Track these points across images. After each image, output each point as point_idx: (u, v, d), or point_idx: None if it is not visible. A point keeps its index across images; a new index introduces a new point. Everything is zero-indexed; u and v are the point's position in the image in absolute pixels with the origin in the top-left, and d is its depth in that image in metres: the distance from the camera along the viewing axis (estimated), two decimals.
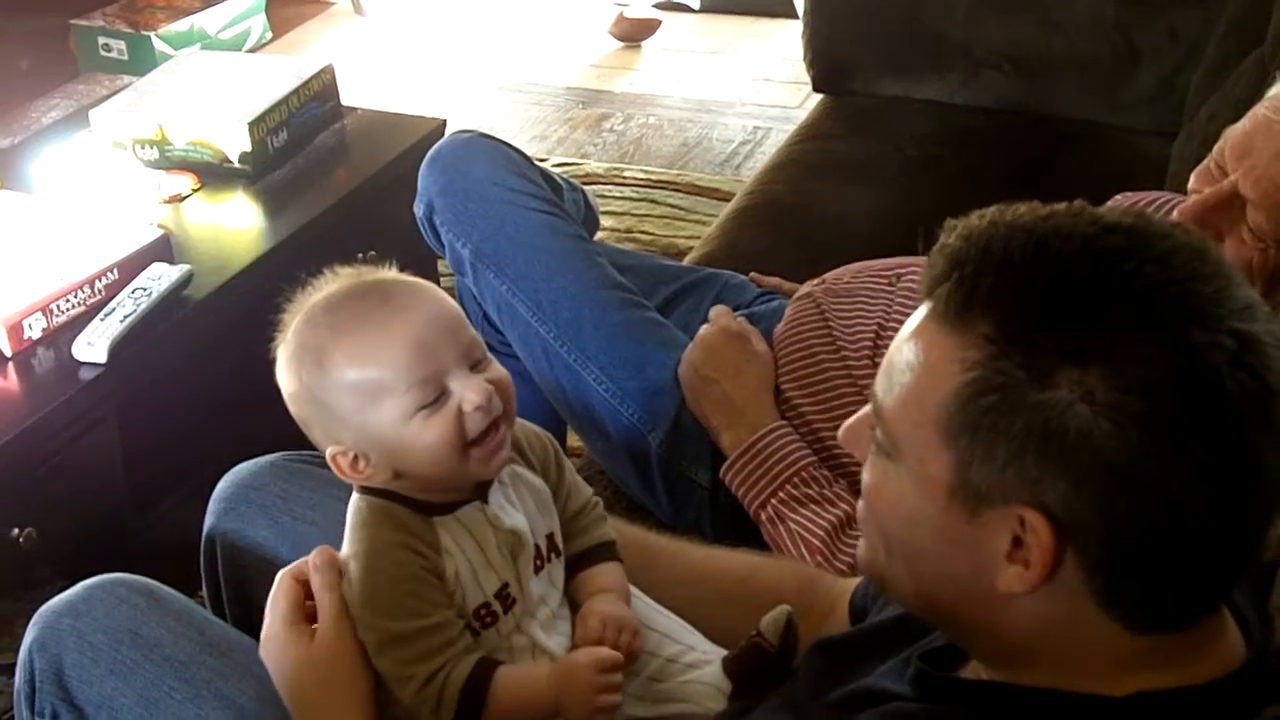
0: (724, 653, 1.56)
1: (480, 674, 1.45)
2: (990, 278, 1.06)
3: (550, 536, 1.57)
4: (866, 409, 1.19)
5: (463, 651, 1.46)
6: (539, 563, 1.54)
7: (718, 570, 1.70)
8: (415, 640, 1.45)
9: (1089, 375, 1.01)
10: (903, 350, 1.12)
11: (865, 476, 1.19)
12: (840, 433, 1.27)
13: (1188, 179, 1.86)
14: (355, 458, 1.48)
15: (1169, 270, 1.04)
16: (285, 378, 1.50)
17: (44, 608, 1.70)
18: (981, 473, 1.06)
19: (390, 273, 1.54)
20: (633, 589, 1.64)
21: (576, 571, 1.60)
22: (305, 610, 1.52)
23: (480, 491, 1.52)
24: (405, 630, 1.45)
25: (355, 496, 1.52)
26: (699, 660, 1.58)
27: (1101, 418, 1.00)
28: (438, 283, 3.19)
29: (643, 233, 3.96)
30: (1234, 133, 1.79)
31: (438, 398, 1.45)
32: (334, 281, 1.52)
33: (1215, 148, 1.81)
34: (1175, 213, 1.83)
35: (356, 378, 1.45)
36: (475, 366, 1.48)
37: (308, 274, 1.54)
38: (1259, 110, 1.77)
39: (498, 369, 1.51)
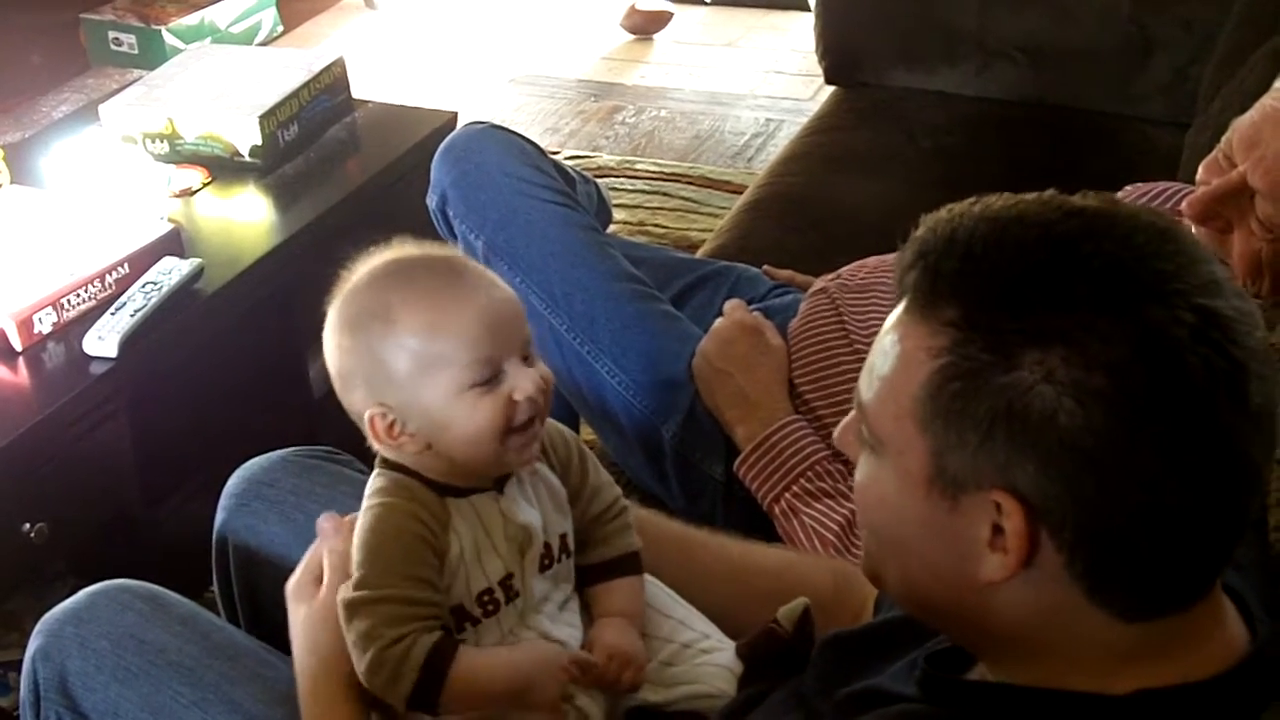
0: (735, 642, 1.57)
1: (444, 648, 1.45)
2: (954, 264, 1.07)
3: (563, 537, 1.57)
4: (854, 411, 1.20)
5: (432, 628, 1.46)
6: (546, 562, 1.54)
7: (755, 567, 1.71)
8: (391, 605, 1.45)
9: (1051, 356, 1.01)
10: (881, 345, 1.14)
11: (857, 474, 1.19)
12: (835, 435, 1.28)
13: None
14: (393, 422, 1.49)
15: (1128, 249, 1.05)
16: (339, 333, 1.51)
17: (47, 616, 1.70)
18: (955, 459, 1.07)
19: (456, 252, 1.59)
20: (651, 578, 1.64)
21: (593, 581, 1.60)
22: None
23: (498, 483, 1.53)
24: (386, 595, 1.45)
25: (376, 471, 1.54)
26: (712, 647, 1.59)
27: (1065, 397, 1.01)
28: None
29: (655, 225, 3.95)
30: (1242, 124, 1.78)
31: (492, 379, 1.47)
32: (400, 249, 1.54)
33: (1223, 139, 1.80)
34: (1183, 205, 1.82)
35: (422, 341, 1.46)
36: (526, 359, 1.50)
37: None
38: (1266, 101, 1.77)
39: (544, 366, 1.53)
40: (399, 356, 1.47)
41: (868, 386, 1.14)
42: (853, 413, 1.20)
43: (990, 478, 1.05)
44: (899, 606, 1.23)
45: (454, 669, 1.45)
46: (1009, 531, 1.05)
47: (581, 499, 1.61)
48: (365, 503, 1.51)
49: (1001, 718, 1.13)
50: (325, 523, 1.56)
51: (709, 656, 1.58)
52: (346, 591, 1.47)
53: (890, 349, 1.12)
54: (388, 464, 1.52)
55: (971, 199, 1.12)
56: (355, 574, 1.47)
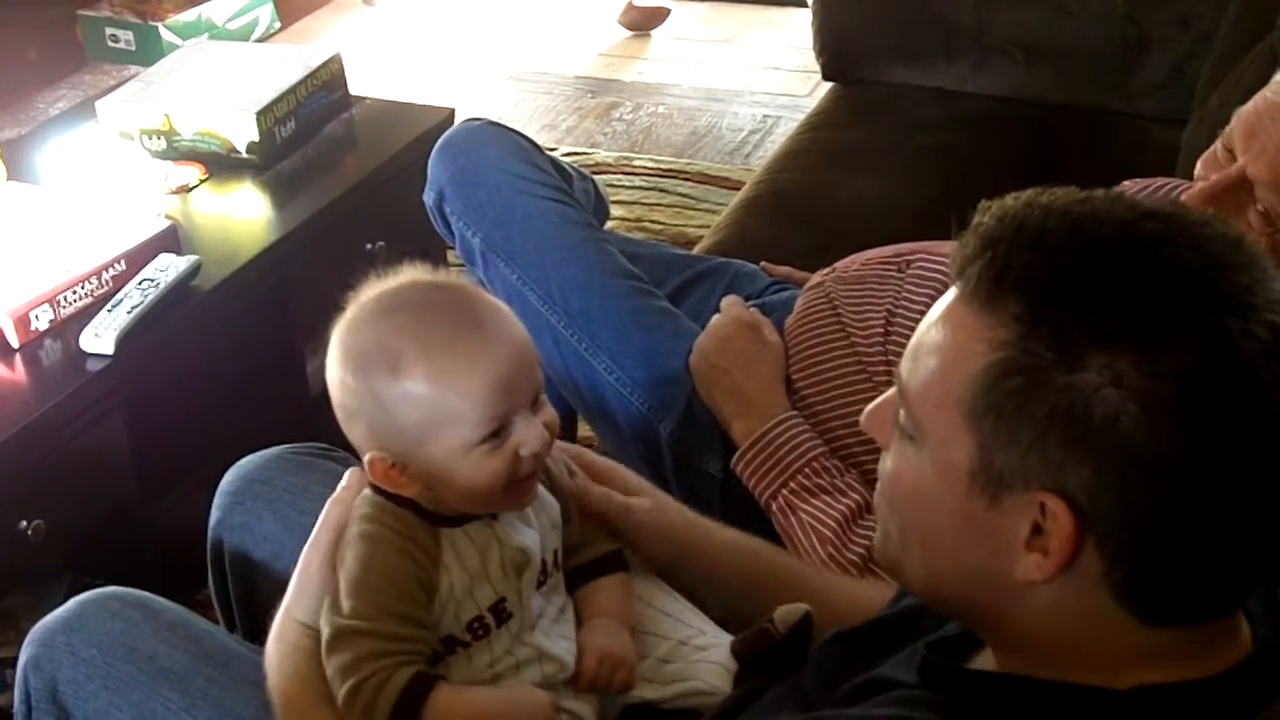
0: (732, 639, 1.57)
1: (418, 685, 1.42)
2: (1023, 257, 1.05)
3: (555, 551, 1.56)
4: (891, 392, 1.18)
5: (412, 663, 1.44)
6: (542, 578, 1.53)
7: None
8: (374, 639, 1.42)
9: (1119, 359, 1.00)
10: (930, 331, 1.11)
11: (886, 462, 1.18)
12: (863, 417, 1.25)
13: (1196, 166, 1.86)
14: (393, 465, 1.45)
15: (1205, 257, 1.03)
16: (343, 370, 1.45)
17: (37, 626, 1.69)
18: (1004, 456, 1.05)
19: (471, 285, 1.52)
20: (644, 574, 1.64)
21: (578, 583, 1.59)
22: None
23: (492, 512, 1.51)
24: (371, 629, 1.43)
25: (367, 492, 1.50)
26: (708, 643, 1.59)
27: (1130, 402, 0.99)
28: (447, 271, 3.22)
29: (653, 222, 3.95)
30: (1242, 116, 1.79)
31: (499, 433, 1.42)
32: (412, 278, 1.47)
33: (1223, 132, 1.80)
34: (1183, 199, 1.82)
35: (431, 398, 1.40)
36: (534, 405, 1.46)
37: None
38: (1266, 93, 1.77)
39: (550, 411, 1.48)
40: (405, 410, 1.41)
41: (911, 372, 1.12)
42: (888, 394, 1.19)
43: (1040, 479, 1.04)
44: (915, 596, 1.22)
45: (430, 706, 1.42)
46: (1053, 534, 1.04)
47: (573, 519, 1.59)
48: (355, 526, 1.48)
49: (1001, 706, 1.12)
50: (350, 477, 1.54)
51: (705, 654, 1.57)
52: (331, 618, 1.45)
53: (941, 337, 1.10)
54: (381, 489, 1.49)
55: (1036, 189, 1.10)
56: (343, 603, 1.44)
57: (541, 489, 1.55)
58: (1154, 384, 0.99)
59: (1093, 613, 1.07)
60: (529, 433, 1.43)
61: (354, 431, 1.47)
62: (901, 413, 1.14)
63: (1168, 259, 1.02)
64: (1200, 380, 0.99)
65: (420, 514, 1.47)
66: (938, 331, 1.10)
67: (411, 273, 1.48)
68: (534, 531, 1.52)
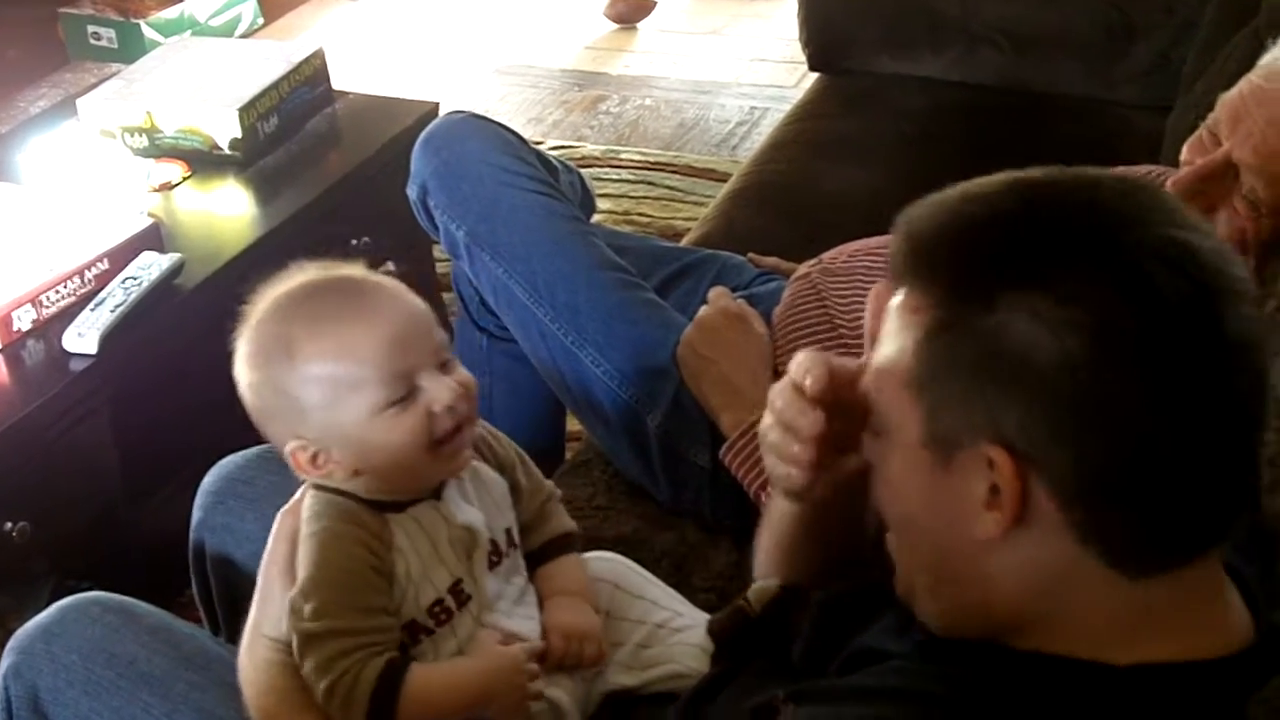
0: (708, 617, 1.57)
1: (391, 672, 1.44)
2: (931, 229, 1.10)
3: (509, 531, 1.57)
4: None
5: (383, 652, 1.45)
6: (494, 558, 1.54)
7: None
8: (344, 638, 1.44)
9: (1027, 295, 1.03)
10: (877, 329, 1.16)
11: (874, 476, 1.20)
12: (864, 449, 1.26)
13: (1180, 152, 1.86)
14: (315, 454, 1.48)
15: (1094, 193, 1.08)
16: (247, 369, 1.49)
17: (18, 633, 1.69)
18: (946, 416, 1.08)
19: (358, 269, 1.54)
20: (620, 558, 1.64)
21: (535, 565, 1.61)
22: None
23: (435, 490, 1.52)
24: (339, 627, 1.44)
25: (310, 494, 1.52)
26: (686, 625, 1.61)
27: (1042, 331, 1.02)
28: (433, 268, 3.21)
29: (640, 215, 3.95)
30: (1228, 100, 1.79)
31: (407, 395, 1.45)
32: (301, 275, 1.51)
33: (1209, 117, 1.81)
34: (1168, 184, 1.82)
35: (329, 369, 1.44)
36: (443, 367, 1.49)
37: (281, 267, 1.54)
38: (1252, 77, 1.78)
39: (464, 372, 1.51)
40: (308, 388, 1.45)
41: (871, 374, 1.17)
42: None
43: (980, 429, 1.06)
44: (909, 597, 1.21)
45: (407, 689, 1.44)
46: (1003, 486, 1.05)
47: (523, 497, 1.62)
48: (305, 528, 1.50)
49: (997, 679, 1.12)
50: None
51: (682, 635, 1.59)
52: (295, 624, 1.46)
53: (884, 328, 1.14)
54: (321, 486, 1.51)
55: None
56: (304, 606, 1.45)
57: (484, 467, 1.58)
58: (1060, 310, 1.02)
59: (1067, 566, 1.08)
60: (438, 388, 1.46)
61: (271, 429, 1.51)
62: (872, 420, 1.17)
63: (1054, 198, 1.08)
64: (1100, 298, 1.02)
65: (364, 503, 1.49)
66: (885, 327, 1.15)
67: (298, 272, 1.52)
68: (477, 511, 1.54)
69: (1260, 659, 1.13)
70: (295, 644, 1.46)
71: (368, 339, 1.44)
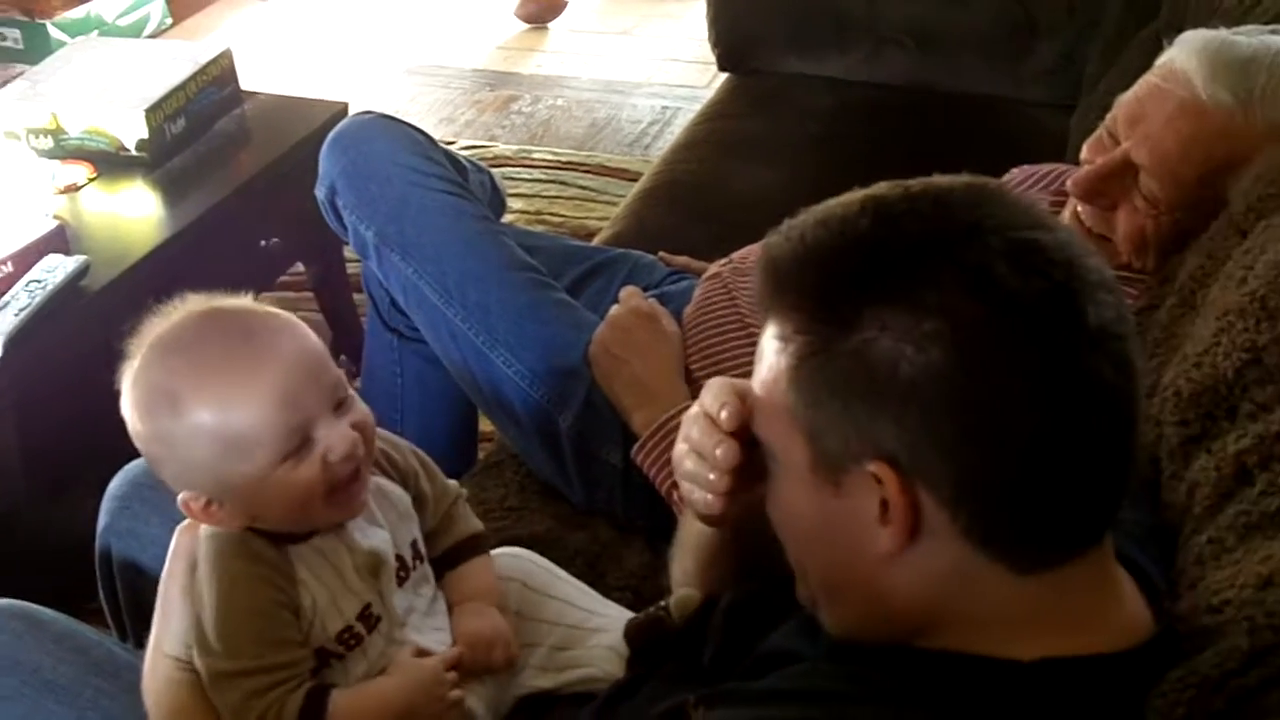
0: (625, 615, 1.57)
1: (314, 702, 1.42)
2: (788, 255, 1.11)
3: (414, 543, 1.55)
4: None
5: (299, 683, 1.43)
6: (402, 574, 1.52)
7: None
8: (259, 676, 1.42)
9: (885, 311, 1.04)
10: (754, 361, 1.17)
11: (768, 500, 1.21)
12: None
13: None
14: (208, 503, 1.43)
15: (941, 206, 1.09)
16: (132, 417, 1.43)
17: None
18: (828, 439, 1.09)
19: (248, 304, 1.47)
20: (528, 554, 1.63)
21: (443, 570, 1.59)
22: None
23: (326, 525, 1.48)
24: (252, 667, 1.42)
25: (205, 527, 1.48)
26: (601, 625, 1.60)
27: (904, 345, 1.03)
28: (343, 269, 3.20)
29: (553, 214, 3.95)
30: (1125, 101, 1.81)
31: (302, 445, 1.40)
32: (185, 312, 1.44)
33: (1108, 117, 1.83)
34: (1069, 183, 1.84)
35: (217, 428, 1.38)
36: (339, 407, 1.43)
37: (193, 285, 1.47)
38: (1149, 78, 1.80)
39: (360, 409, 1.46)
40: (196, 444, 1.39)
41: (753, 406, 1.18)
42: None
43: (862, 448, 1.07)
44: (825, 617, 1.22)
45: (332, 715, 1.43)
46: (890, 500, 1.07)
47: (428, 506, 1.59)
48: (205, 563, 1.45)
49: (906, 678, 1.13)
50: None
51: (599, 637, 1.58)
52: (206, 661, 1.43)
53: (759, 359, 1.15)
54: None
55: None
56: (213, 644, 1.43)
57: (386, 482, 1.55)
58: (918, 322, 1.03)
59: (964, 569, 1.09)
60: (333, 437, 1.41)
61: (163, 476, 1.46)
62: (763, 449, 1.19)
63: (905, 213, 1.09)
64: (954, 305, 1.03)
65: (263, 535, 1.45)
66: (756, 357, 1.16)
67: (185, 307, 1.44)
68: (383, 530, 1.51)
69: (1159, 652, 1.15)
70: (207, 681, 1.43)
71: (257, 395, 1.37)
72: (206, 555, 1.45)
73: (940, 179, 1.13)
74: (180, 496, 1.44)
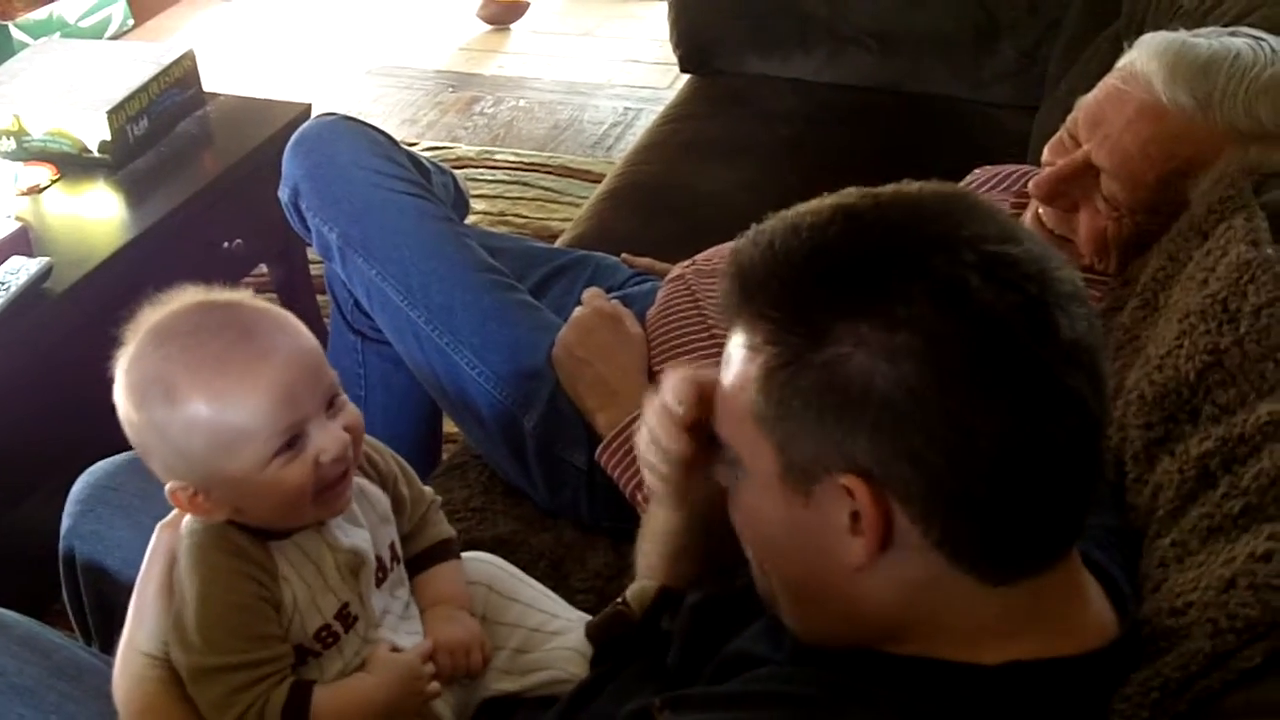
0: (586, 618, 1.57)
1: (297, 697, 1.42)
2: (758, 261, 1.10)
3: (392, 545, 1.55)
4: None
5: (283, 678, 1.43)
6: (380, 575, 1.52)
7: None
8: (243, 671, 1.41)
9: (859, 325, 1.04)
10: (720, 365, 1.16)
11: (729, 501, 1.21)
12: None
13: None
14: (195, 493, 1.42)
15: (912, 214, 1.09)
16: (125, 405, 1.41)
17: None
18: (798, 449, 1.09)
19: (247, 298, 1.46)
20: (494, 559, 1.64)
21: (413, 574, 1.59)
22: None
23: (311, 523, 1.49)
24: (235, 662, 1.41)
25: (188, 519, 1.47)
26: (563, 627, 1.60)
27: (878, 359, 1.03)
28: (307, 270, 3.19)
29: (516, 215, 3.95)
30: (1086, 103, 1.82)
31: (294, 442, 1.40)
32: (184, 303, 1.43)
33: (1069, 118, 1.83)
34: (1030, 185, 1.85)
35: (213, 422, 1.37)
36: (331, 407, 1.43)
37: (156, 286, 1.46)
38: (1110, 80, 1.80)
39: (351, 411, 1.46)
40: (190, 436, 1.38)
41: (719, 409, 1.18)
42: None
43: (833, 460, 1.07)
44: (786, 619, 1.23)
45: (314, 711, 1.43)
46: (862, 512, 1.07)
47: (405, 510, 1.59)
48: (186, 556, 1.45)
49: (870, 682, 1.14)
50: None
51: (560, 639, 1.58)
52: (186, 657, 1.42)
53: (724, 363, 1.15)
54: None
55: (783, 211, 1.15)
56: (193, 639, 1.42)
57: (367, 484, 1.55)
58: (891, 336, 1.03)
59: (934, 581, 1.10)
60: (326, 438, 1.41)
61: (152, 465, 1.45)
62: (723, 450, 1.18)
63: (875, 222, 1.08)
64: (928, 319, 1.03)
65: (245, 530, 1.45)
66: (723, 362, 1.16)
67: (183, 298, 1.43)
68: (363, 530, 1.51)
69: (1123, 654, 1.16)
70: (186, 676, 1.43)
71: (256, 389, 1.36)
72: (188, 550, 1.45)
73: (909, 186, 1.13)
74: (167, 487, 1.43)
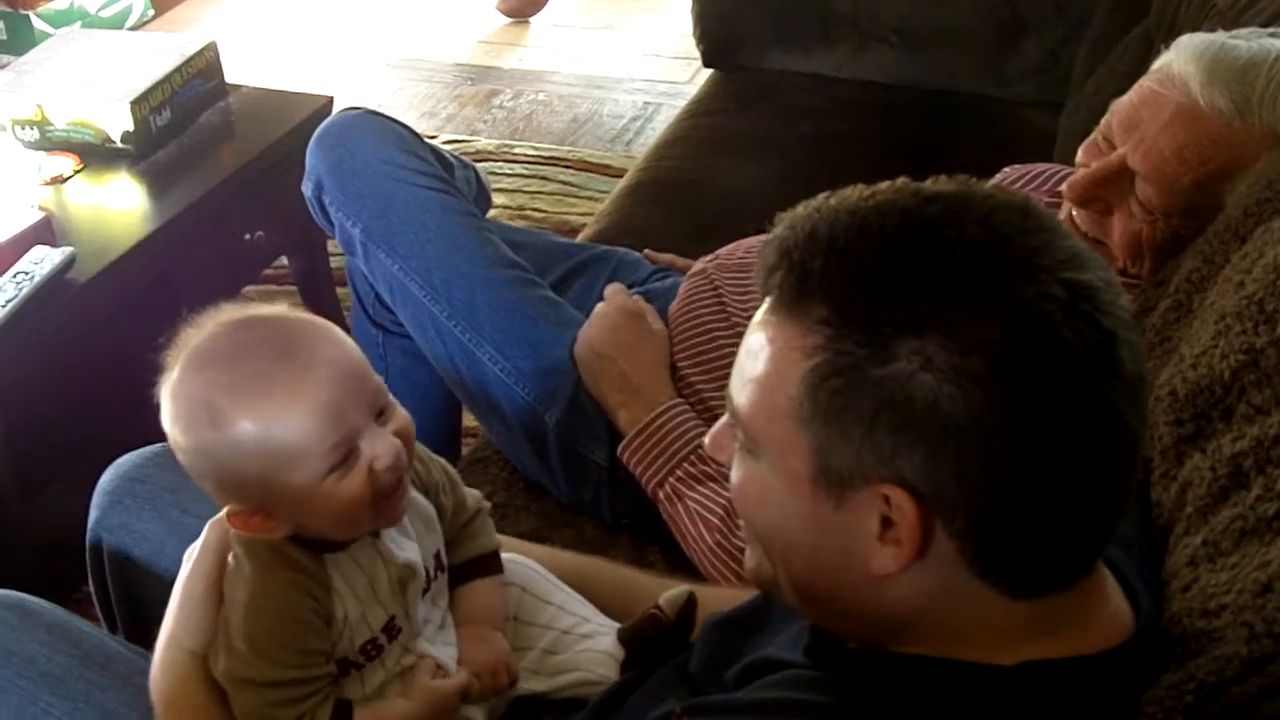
0: (617, 625, 1.57)
1: (341, 715, 1.42)
2: (819, 261, 1.07)
3: (437, 555, 1.54)
4: (725, 417, 1.20)
5: (328, 697, 1.43)
6: (425, 586, 1.51)
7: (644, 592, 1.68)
8: (289, 687, 1.40)
9: (927, 343, 1.02)
10: (748, 347, 1.13)
11: (732, 477, 1.19)
12: (706, 443, 1.26)
13: (1075, 151, 1.88)
14: (253, 514, 1.40)
15: (991, 230, 1.05)
16: (173, 431, 1.39)
17: None
18: (839, 456, 1.07)
19: (286, 311, 1.44)
20: (530, 562, 1.63)
21: (455, 583, 1.57)
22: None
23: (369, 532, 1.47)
24: (283, 677, 1.40)
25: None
26: (593, 631, 1.59)
27: (945, 383, 1.01)
28: (328, 262, 3.19)
29: (534, 210, 3.95)
30: (1121, 105, 1.80)
31: (348, 456, 1.37)
32: (222, 322, 1.40)
33: (1103, 120, 1.82)
34: (1064, 187, 1.84)
35: (261, 443, 1.34)
36: (380, 414, 1.41)
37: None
38: (1145, 83, 1.79)
39: (401, 415, 1.43)
40: (240, 459, 1.35)
41: (739, 390, 1.14)
42: (725, 418, 1.20)
43: (877, 471, 1.05)
44: (791, 607, 1.22)
45: None
46: (901, 524, 1.06)
47: (448, 516, 1.57)
48: (240, 565, 1.43)
49: (888, 683, 1.13)
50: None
51: (590, 642, 1.57)
52: (232, 665, 1.41)
53: (760, 351, 1.11)
54: None
55: (826, 193, 1.12)
56: (241, 647, 1.41)
57: (415, 494, 1.52)
58: (963, 360, 1.01)
59: (959, 591, 1.09)
60: (379, 446, 1.39)
61: (207, 488, 1.43)
62: (738, 430, 1.16)
63: (955, 238, 1.05)
64: (1005, 348, 1.01)
65: (300, 542, 1.43)
66: (755, 346, 1.12)
67: (218, 317, 1.41)
68: (413, 542, 1.50)
69: (1141, 650, 1.15)
70: (226, 684, 1.41)
71: (301, 411, 1.34)
72: (243, 556, 1.43)
73: (976, 191, 1.10)
74: (225, 510, 1.41)
